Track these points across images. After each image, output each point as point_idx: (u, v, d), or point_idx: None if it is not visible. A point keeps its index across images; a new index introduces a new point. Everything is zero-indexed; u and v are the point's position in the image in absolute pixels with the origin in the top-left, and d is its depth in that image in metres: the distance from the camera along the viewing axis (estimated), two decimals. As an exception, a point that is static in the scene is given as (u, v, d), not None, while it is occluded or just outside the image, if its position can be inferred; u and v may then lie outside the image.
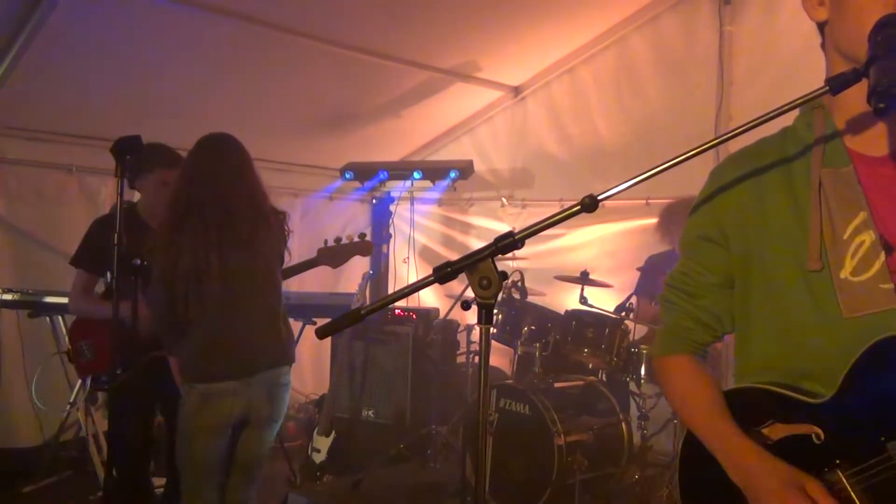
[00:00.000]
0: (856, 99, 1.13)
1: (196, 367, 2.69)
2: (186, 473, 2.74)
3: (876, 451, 1.09)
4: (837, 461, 1.12)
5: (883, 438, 1.09)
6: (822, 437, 1.14)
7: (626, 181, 1.24)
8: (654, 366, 1.50)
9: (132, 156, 2.39)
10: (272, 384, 2.79)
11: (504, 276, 1.34)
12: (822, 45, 1.33)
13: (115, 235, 2.37)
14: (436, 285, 1.33)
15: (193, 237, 2.62)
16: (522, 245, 1.32)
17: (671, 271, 1.45)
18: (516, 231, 1.30)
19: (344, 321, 1.42)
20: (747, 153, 1.34)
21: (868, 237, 1.15)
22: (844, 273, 1.15)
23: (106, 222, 3.33)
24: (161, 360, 3.26)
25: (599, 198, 1.22)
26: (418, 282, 1.38)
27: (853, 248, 1.16)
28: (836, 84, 1.12)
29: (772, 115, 1.15)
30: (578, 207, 1.21)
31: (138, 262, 2.40)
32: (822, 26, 1.30)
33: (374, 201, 6.65)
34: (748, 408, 1.23)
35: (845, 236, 1.17)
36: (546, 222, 1.27)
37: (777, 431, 1.18)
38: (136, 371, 2.84)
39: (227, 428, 2.71)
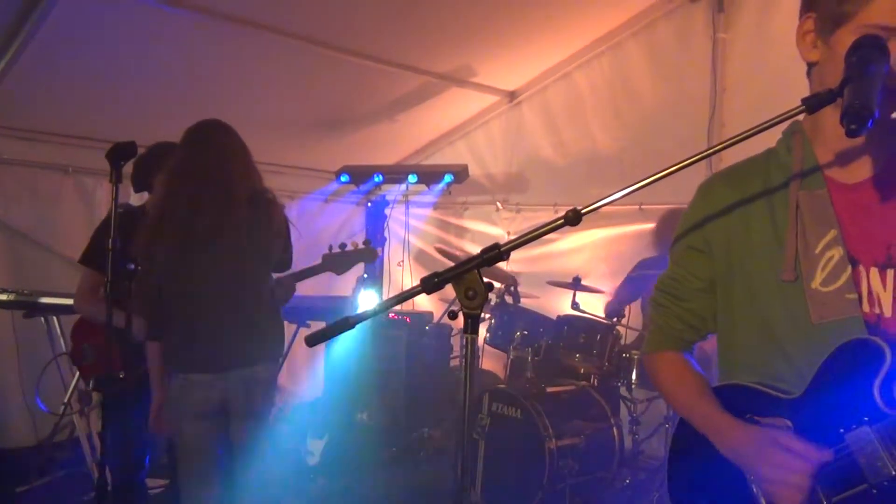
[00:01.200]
0: (832, 129, 1.25)
1: (174, 358, 2.79)
2: (179, 456, 2.86)
3: (835, 441, 1.20)
4: None
5: (842, 430, 1.20)
6: (792, 427, 1.26)
7: (611, 194, 1.28)
8: (644, 361, 1.65)
9: (126, 161, 2.41)
10: (248, 380, 2.81)
11: (490, 287, 1.36)
12: (808, 77, 1.41)
13: (109, 240, 2.39)
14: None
15: (169, 236, 2.70)
16: (508, 257, 1.35)
17: (661, 276, 1.59)
18: (502, 243, 1.33)
19: (334, 330, 1.44)
20: (733, 172, 1.47)
21: (837, 252, 1.28)
22: (815, 284, 1.28)
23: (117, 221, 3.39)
24: None
25: (583, 211, 1.26)
26: (406, 292, 1.40)
27: (823, 262, 1.28)
28: (812, 103, 1.15)
29: (758, 129, 1.19)
30: (562, 221, 1.25)
31: (132, 266, 2.42)
32: (811, 65, 1.39)
33: (369, 204, 6.67)
34: (730, 402, 1.37)
35: (817, 251, 1.29)
36: (530, 235, 1.30)
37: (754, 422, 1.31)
38: (134, 376, 2.86)
39: (207, 415, 2.79)
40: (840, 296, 1.26)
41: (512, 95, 6.05)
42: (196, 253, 2.72)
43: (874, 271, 1.27)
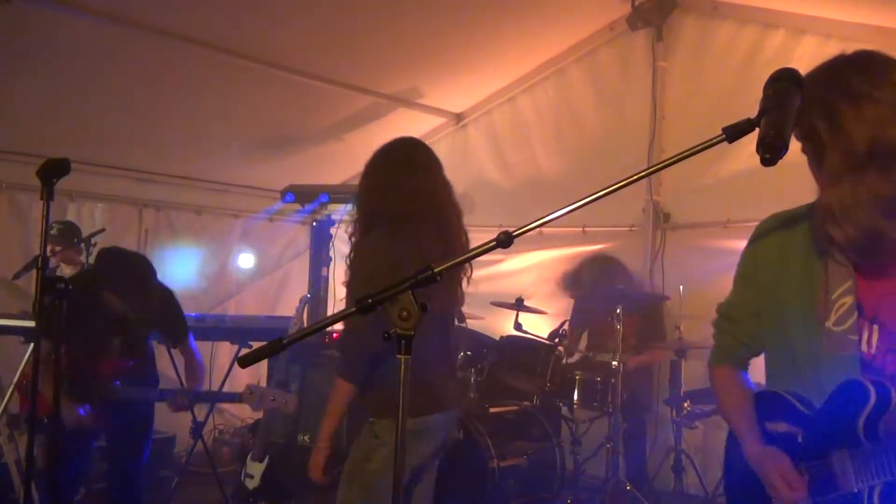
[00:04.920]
0: None
1: (412, 400, 2.37)
2: None
3: (825, 454, 1.51)
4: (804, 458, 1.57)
5: (832, 448, 1.51)
6: (800, 439, 1.57)
7: (544, 217, 1.31)
8: (709, 373, 1.90)
9: (58, 178, 2.35)
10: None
11: (424, 308, 1.38)
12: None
13: (39, 258, 2.32)
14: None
15: (415, 254, 2.34)
16: (441, 278, 1.36)
17: (724, 301, 1.83)
18: (435, 265, 1.34)
19: (266, 351, 1.44)
20: (783, 216, 1.70)
21: (849, 300, 1.53)
22: (829, 323, 1.54)
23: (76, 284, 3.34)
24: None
25: (515, 234, 1.29)
26: (339, 313, 1.41)
27: (837, 306, 1.54)
28: (732, 133, 1.20)
29: (687, 154, 1.24)
30: (494, 243, 1.27)
31: (63, 285, 2.35)
32: None
33: (314, 224, 6.61)
34: (769, 406, 1.66)
35: (834, 296, 1.55)
36: (462, 257, 1.33)
37: (780, 427, 1.61)
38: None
39: (419, 470, 2.46)
40: (845, 336, 1.53)
41: (458, 117, 6.11)
42: (449, 279, 2.46)
43: (866, 322, 1.53)
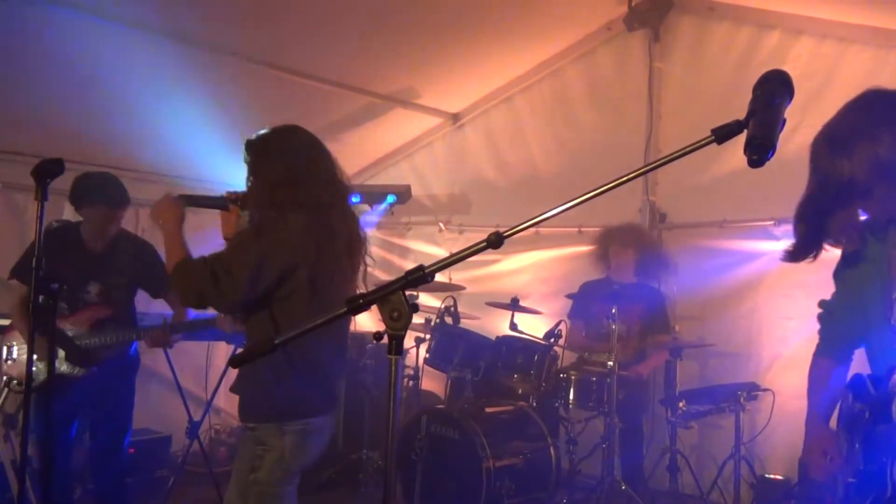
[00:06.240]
0: None
1: (297, 402, 2.30)
2: None
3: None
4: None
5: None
6: (868, 414, 1.84)
7: (535, 217, 1.31)
8: (811, 360, 2.13)
9: (53, 178, 2.36)
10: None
11: (415, 308, 1.38)
12: None
13: (34, 259, 2.32)
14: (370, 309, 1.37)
15: (320, 244, 2.32)
16: (432, 279, 1.37)
17: (826, 299, 2.07)
18: (426, 265, 1.34)
19: (258, 351, 1.44)
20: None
21: None
22: (892, 320, 1.80)
23: (53, 235, 3.39)
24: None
25: (505, 235, 1.29)
26: (332, 315, 1.40)
27: None
28: (721, 134, 1.20)
29: (679, 154, 1.24)
30: (484, 244, 1.27)
31: (55, 286, 2.35)
32: None
33: (311, 223, 6.62)
34: (857, 387, 1.93)
35: (894, 295, 1.81)
36: (453, 257, 1.33)
37: (857, 406, 1.89)
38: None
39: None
40: None
41: (455, 118, 6.11)
42: (348, 269, 2.42)
43: None
